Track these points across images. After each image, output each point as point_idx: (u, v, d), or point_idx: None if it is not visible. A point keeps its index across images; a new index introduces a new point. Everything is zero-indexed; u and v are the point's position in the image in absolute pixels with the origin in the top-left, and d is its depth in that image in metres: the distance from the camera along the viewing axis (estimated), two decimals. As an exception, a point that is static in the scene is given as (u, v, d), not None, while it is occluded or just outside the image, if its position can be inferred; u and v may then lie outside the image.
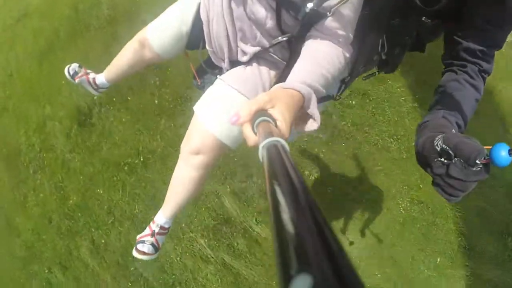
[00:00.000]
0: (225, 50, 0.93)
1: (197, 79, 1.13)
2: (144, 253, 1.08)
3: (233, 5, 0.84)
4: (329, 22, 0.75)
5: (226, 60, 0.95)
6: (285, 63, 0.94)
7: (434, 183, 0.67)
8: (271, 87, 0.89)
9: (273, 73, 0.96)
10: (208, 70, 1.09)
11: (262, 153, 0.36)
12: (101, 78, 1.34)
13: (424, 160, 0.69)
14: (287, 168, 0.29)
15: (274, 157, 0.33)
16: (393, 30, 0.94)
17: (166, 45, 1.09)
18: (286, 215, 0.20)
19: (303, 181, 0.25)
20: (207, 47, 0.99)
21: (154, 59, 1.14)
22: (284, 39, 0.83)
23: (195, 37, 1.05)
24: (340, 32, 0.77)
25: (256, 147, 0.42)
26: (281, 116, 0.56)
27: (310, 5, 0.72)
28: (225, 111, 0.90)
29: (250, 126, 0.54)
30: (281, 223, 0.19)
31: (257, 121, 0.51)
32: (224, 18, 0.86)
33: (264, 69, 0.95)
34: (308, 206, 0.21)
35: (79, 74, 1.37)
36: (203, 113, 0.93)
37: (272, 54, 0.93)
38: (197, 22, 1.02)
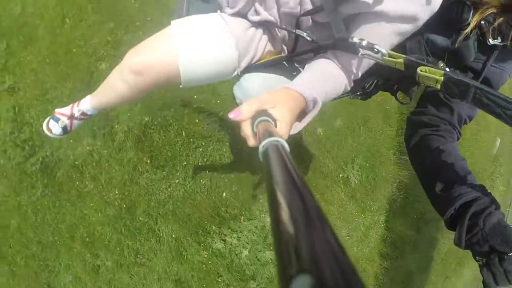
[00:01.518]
0: (242, 2, 0.83)
1: (184, 7, 0.98)
2: (51, 132, 1.07)
3: None
4: (352, 58, 0.76)
5: (236, 9, 0.85)
6: (281, 47, 0.92)
7: (486, 267, 0.69)
8: (260, 62, 0.89)
9: (269, 48, 0.92)
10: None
11: (261, 153, 0.36)
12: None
13: (496, 241, 0.68)
14: (287, 168, 0.28)
15: (274, 157, 0.32)
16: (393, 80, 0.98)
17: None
18: (286, 215, 0.20)
19: (303, 180, 0.25)
20: None
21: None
22: (308, 38, 0.80)
23: None
24: (354, 70, 0.78)
25: (256, 147, 0.41)
26: (281, 117, 0.55)
27: (356, 39, 0.70)
28: (207, 44, 0.80)
29: (250, 125, 0.53)
30: (281, 223, 0.19)
31: (257, 121, 0.51)
32: None
33: (265, 39, 0.90)
34: (308, 206, 0.21)
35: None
36: (182, 34, 0.79)
37: (279, 32, 0.89)
38: None
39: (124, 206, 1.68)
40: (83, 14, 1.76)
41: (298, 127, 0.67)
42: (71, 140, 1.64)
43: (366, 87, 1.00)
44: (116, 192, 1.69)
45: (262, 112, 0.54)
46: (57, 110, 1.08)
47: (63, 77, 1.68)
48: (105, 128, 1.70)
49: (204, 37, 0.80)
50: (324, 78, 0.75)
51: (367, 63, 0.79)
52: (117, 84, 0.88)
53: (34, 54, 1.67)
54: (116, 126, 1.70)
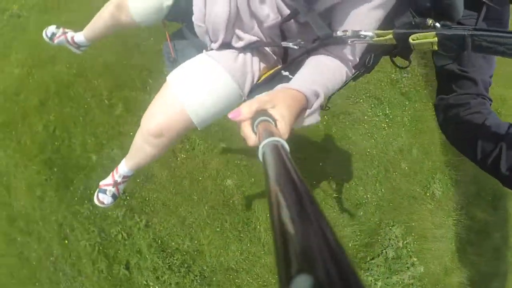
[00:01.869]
0: (221, 34, 0.85)
1: (172, 51, 1.05)
2: (103, 203, 1.15)
3: None
4: (344, 47, 0.77)
5: (218, 43, 0.87)
6: (276, 60, 0.93)
7: None
8: (261, 81, 0.90)
9: (263, 65, 0.93)
10: (190, 37, 1.02)
11: (262, 153, 0.36)
12: (79, 36, 1.31)
13: None
14: (287, 167, 0.29)
15: (274, 157, 0.33)
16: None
17: (144, 13, 1.03)
18: (286, 215, 0.20)
19: (303, 180, 0.25)
20: (195, 22, 0.90)
21: (130, 24, 1.08)
22: (295, 47, 0.81)
23: (177, 11, 1.01)
24: (350, 57, 0.79)
25: (256, 147, 0.42)
26: (281, 117, 0.56)
27: (340, 33, 0.72)
28: (206, 87, 0.83)
29: (250, 126, 0.54)
30: (281, 223, 0.19)
31: (257, 121, 0.51)
32: (230, 1, 0.81)
33: (256, 60, 0.90)
34: (308, 206, 0.21)
35: (57, 35, 1.35)
36: (180, 87, 0.83)
37: (266, 48, 0.90)
38: None
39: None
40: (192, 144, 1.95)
41: (306, 121, 0.68)
42: (221, 250, 1.83)
43: (366, 62, 0.97)
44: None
45: (262, 112, 0.54)
46: (101, 183, 1.17)
47: (196, 203, 1.85)
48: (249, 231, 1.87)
49: (201, 82, 0.83)
50: (321, 71, 0.75)
51: (361, 46, 0.79)
52: (144, 147, 0.95)
53: (158, 190, 1.85)
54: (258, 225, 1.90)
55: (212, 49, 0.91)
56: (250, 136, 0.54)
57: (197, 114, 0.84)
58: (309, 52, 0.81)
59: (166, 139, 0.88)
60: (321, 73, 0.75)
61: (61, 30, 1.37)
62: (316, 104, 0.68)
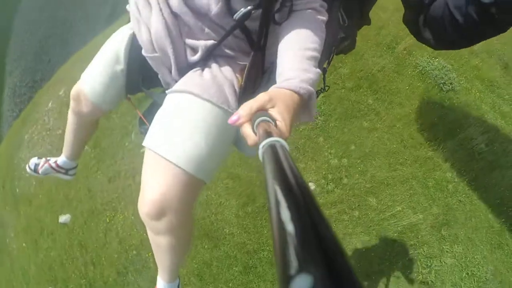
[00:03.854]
0: (170, 50, 0.74)
1: (145, 121, 0.97)
2: None
3: None
4: None
5: (173, 65, 0.77)
6: (245, 56, 0.81)
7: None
8: (243, 83, 0.79)
9: (237, 68, 0.82)
10: (159, 98, 0.86)
11: (262, 153, 0.36)
12: (62, 159, 1.26)
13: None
14: (287, 167, 0.29)
15: (274, 157, 0.33)
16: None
17: (101, 90, 0.91)
18: (286, 215, 0.20)
19: (303, 180, 0.25)
20: (147, 55, 0.79)
21: (94, 112, 0.97)
22: (249, 8, 0.69)
23: (133, 73, 0.91)
24: None
25: (256, 147, 0.41)
26: (281, 116, 0.55)
27: None
28: (185, 127, 0.70)
29: (250, 125, 0.53)
30: (281, 223, 0.19)
31: (257, 121, 0.51)
32: (161, 10, 0.72)
33: (224, 66, 0.80)
34: (308, 206, 0.21)
35: (40, 165, 1.31)
36: (157, 143, 0.69)
37: (229, 48, 0.79)
38: (132, 54, 0.88)
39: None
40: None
41: (306, 116, 0.67)
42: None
43: (341, 20, 0.92)
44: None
45: (262, 112, 0.54)
46: None
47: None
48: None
49: (179, 126, 0.70)
50: (301, 45, 0.68)
51: None
52: (160, 241, 0.77)
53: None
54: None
55: (174, 81, 0.79)
56: (250, 136, 0.53)
57: (191, 162, 0.68)
58: (269, 15, 0.70)
59: (172, 215, 0.70)
60: (304, 48, 0.68)
61: (43, 159, 1.34)
62: (313, 103, 0.66)
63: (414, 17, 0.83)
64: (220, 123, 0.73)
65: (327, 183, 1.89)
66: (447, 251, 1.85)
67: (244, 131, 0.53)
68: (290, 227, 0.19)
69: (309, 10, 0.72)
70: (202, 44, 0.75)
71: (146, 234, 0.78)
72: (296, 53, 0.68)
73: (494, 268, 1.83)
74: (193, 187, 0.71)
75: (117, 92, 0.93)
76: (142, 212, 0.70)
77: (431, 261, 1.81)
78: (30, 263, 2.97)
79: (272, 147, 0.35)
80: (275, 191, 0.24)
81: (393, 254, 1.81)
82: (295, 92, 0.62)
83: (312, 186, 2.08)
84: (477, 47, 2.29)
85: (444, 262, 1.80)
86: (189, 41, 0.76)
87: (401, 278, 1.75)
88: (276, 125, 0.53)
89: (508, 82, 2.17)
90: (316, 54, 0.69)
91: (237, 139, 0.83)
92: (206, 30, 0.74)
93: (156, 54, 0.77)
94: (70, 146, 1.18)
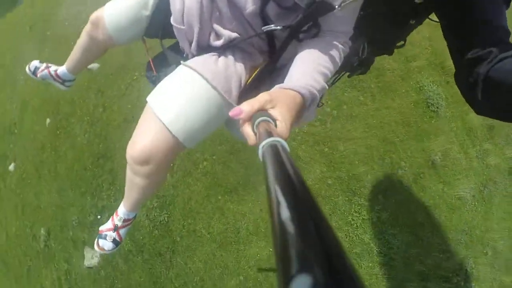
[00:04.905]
0: (196, 29, 0.79)
1: (153, 69, 1.00)
2: (104, 249, 1.07)
3: None
4: (333, 15, 0.69)
5: (194, 42, 0.81)
6: (261, 56, 0.86)
7: None
8: (249, 82, 0.84)
9: (249, 65, 0.86)
10: (172, 58, 0.93)
11: (262, 153, 0.36)
12: (62, 69, 1.27)
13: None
14: (287, 167, 0.29)
15: (274, 157, 0.33)
16: (377, 32, 0.90)
17: (121, 27, 0.95)
18: (286, 215, 0.20)
19: (303, 180, 0.25)
20: (174, 23, 0.83)
21: (107, 42, 1.01)
22: (278, 28, 0.74)
23: (156, 23, 0.95)
24: (342, 27, 0.74)
25: (256, 147, 0.41)
26: (281, 117, 0.55)
27: None
28: (185, 100, 0.76)
29: (250, 125, 0.53)
30: (281, 223, 0.20)
31: (257, 121, 0.50)
32: None
33: (239, 60, 0.84)
34: (308, 206, 0.21)
35: (40, 69, 1.32)
36: (157, 103, 0.77)
37: (249, 44, 0.83)
38: (160, 6, 0.92)
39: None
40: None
41: (302, 119, 0.67)
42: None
43: (360, 53, 0.92)
44: None
45: (262, 112, 0.54)
46: (101, 228, 1.09)
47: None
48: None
49: (179, 95, 0.77)
50: (315, 58, 0.71)
51: (352, 11, 0.73)
52: (135, 180, 0.86)
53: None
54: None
55: (191, 54, 0.84)
56: (250, 135, 0.53)
57: (180, 130, 0.76)
58: (295, 33, 0.75)
59: (154, 166, 0.79)
60: (317, 63, 0.71)
61: (44, 64, 1.34)
62: (313, 103, 0.66)
63: (466, 78, 0.71)
64: (217, 107, 0.79)
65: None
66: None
67: (245, 131, 0.54)
68: (290, 227, 0.19)
69: (333, 39, 0.73)
70: (227, 34, 0.79)
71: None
72: (308, 65, 0.70)
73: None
74: (177, 149, 0.80)
75: (136, 32, 0.98)
76: (129, 155, 0.79)
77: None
78: (32, 95, 3.32)
79: (272, 147, 0.35)
80: (276, 191, 0.24)
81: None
82: (298, 92, 0.63)
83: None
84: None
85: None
86: (216, 26, 0.79)
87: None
88: (276, 125, 0.53)
89: (484, 138, 2.59)
90: (327, 72, 0.71)
91: (228, 121, 0.88)
92: (235, 22, 0.78)
93: (182, 27, 0.81)
94: (74, 61, 1.20)
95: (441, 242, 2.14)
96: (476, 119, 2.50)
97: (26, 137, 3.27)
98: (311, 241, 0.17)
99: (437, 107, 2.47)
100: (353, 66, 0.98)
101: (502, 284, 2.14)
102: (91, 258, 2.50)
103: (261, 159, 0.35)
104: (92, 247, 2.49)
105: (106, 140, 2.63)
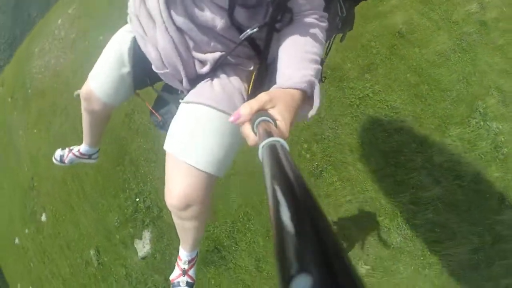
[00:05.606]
0: (180, 67, 0.80)
1: (157, 115, 1.02)
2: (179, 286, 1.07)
3: (172, 12, 0.74)
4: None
5: (184, 79, 0.82)
6: (251, 61, 0.87)
7: None
8: (250, 90, 0.84)
9: (243, 74, 0.87)
10: (169, 98, 0.97)
11: (262, 153, 0.36)
12: (84, 147, 1.36)
13: None
14: (287, 168, 0.29)
15: (274, 157, 0.33)
16: None
17: (111, 92, 0.99)
18: (286, 215, 0.20)
19: (303, 180, 0.25)
20: (157, 71, 0.86)
21: (106, 109, 1.05)
22: (255, 30, 0.74)
23: (140, 74, 0.97)
24: (312, 3, 0.73)
25: (256, 147, 0.41)
26: (281, 116, 0.56)
27: None
28: (202, 136, 0.78)
29: (250, 126, 0.53)
30: (281, 223, 0.20)
31: (257, 121, 0.51)
32: (166, 28, 0.75)
33: (232, 75, 0.85)
34: (308, 206, 0.21)
35: (65, 155, 1.41)
36: (177, 148, 0.79)
37: (235, 56, 0.83)
38: (137, 57, 0.93)
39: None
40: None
41: (312, 111, 0.67)
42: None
43: (339, 12, 0.93)
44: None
45: (262, 112, 0.54)
46: (171, 278, 1.12)
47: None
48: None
49: (193, 132, 0.78)
50: (301, 48, 0.71)
51: None
52: (184, 224, 0.90)
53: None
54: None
55: (186, 90, 0.86)
56: (250, 136, 0.53)
57: (208, 163, 0.77)
58: (272, 28, 0.74)
59: (196, 206, 0.82)
60: (304, 51, 0.70)
61: (66, 150, 1.45)
62: (316, 96, 0.66)
63: None
64: (231, 128, 0.79)
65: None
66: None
67: (244, 131, 0.54)
68: (290, 227, 0.19)
69: (309, 19, 0.72)
70: (210, 57, 0.80)
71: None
72: (296, 54, 0.70)
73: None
74: (211, 182, 0.81)
75: (126, 90, 1.01)
76: (170, 204, 0.82)
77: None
78: (38, 146, 3.44)
79: (272, 147, 0.35)
80: (275, 191, 0.24)
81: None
82: (296, 89, 0.63)
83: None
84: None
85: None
86: (196, 54, 0.80)
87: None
88: (276, 125, 0.53)
89: (440, 1, 2.42)
90: (316, 57, 0.71)
91: None
92: (213, 43, 0.79)
93: (166, 70, 0.83)
94: (89, 136, 1.27)
95: (443, 94, 2.19)
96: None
97: (47, 183, 3.45)
98: (311, 241, 0.17)
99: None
100: (338, 27, 0.97)
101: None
102: (142, 248, 2.61)
103: (261, 159, 0.35)
104: (141, 238, 2.61)
105: (116, 142, 2.81)
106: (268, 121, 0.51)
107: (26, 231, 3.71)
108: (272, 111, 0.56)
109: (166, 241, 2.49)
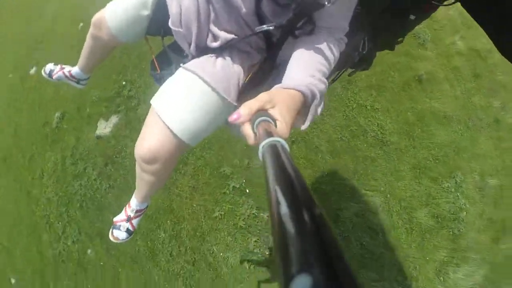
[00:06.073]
0: (194, 31, 0.81)
1: (157, 67, 1.01)
2: (118, 239, 1.12)
3: None
4: (326, 12, 0.69)
5: (193, 44, 0.84)
6: (259, 54, 0.87)
7: None
8: (246, 80, 0.85)
9: (246, 64, 0.87)
10: (173, 57, 0.97)
11: (262, 153, 0.36)
12: (76, 70, 1.32)
13: None
14: (287, 168, 0.29)
15: (274, 157, 0.33)
16: (379, 28, 0.90)
17: (123, 27, 0.98)
18: (286, 215, 0.20)
19: (303, 181, 0.25)
20: (172, 26, 0.85)
21: (112, 41, 1.03)
22: (271, 27, 0.74)
23: (157, 22, 0.96)
24: (337, 23, 0.73)
25: (256, 147, 0.41)
26: (281, 116, 0.55)
27: None
28: (186, 102, 0.79)
29: (250, 126, 0.53)
30: (281, 222, 0.20)
31: (257, 121, 0.50)
32: None
33: (237, 60, 0.85)
34: (308, 206, 0.21)
35: (55, 71, 1.37)
36: (162, 107, 0.80)
37: (247, 44, 0.84)
38: (160, 5, 0.93)
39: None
40: None
41: (308, 120, 0.67)
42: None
43: (360, 48, 0.93)
44: None
45: (262, 112, 0.53)
46: (115, 219, 1.15)
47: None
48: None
49: (181, 98, 0.79)
50: (311, 57, 0.72)
51: (347, 7, 0.74)
52: (143, 176, 0.92)
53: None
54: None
55: (191, 55, 0.87)
56: (250, 136, 0.53)
57: (184, 131, 0.79)
58: (290, 31, 0.76)
59: (160, 164, 0.85)
60: (311, 58, 0.72)
61: (58, 66, 1.39)
62: (315, 104, 0.66)
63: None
64: (218, 107, 0.82)
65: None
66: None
67: (244, 131, 0.54)
68: (290, 227, 0.19)
69: (329, 36, 0.74)
70: (223, 35, 0.80)
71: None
72: (305, 63, 0.71)
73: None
74: (181, 148, 0.84)
75: (138, 31, 1.00)
76: (138, 154, 0.85)
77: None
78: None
79: (272, 147, 0.35)
80: (276, 191, 0.24)
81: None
82: (297, 90, 0.63)
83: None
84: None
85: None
86: (213, 27, 0.81)
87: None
88: (276, 125, 0.53)
89: (468, 80, 2.45)
90: (324, 69, 0.71)
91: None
92: (232, 23, 0.79)
93: (180, 30, 0.84)
94: (85, 62, 1.24)
95: (430, 146, 2.27)
96: (460, 62, 2.85)
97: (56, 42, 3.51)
98: (311, 241, 0.17)
99: (424, 41, 2.78)
100: (354, 61, 0.97)
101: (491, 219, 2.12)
102: (103, 129, 2.64)
103: (261, 159, 0.35)
104: (107, 120, 2.64)
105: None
106: (268, 121, 0.50)
107: (10, 75, 3.74)
108: (272, 111, 0.56)
109: (128, 133, 2.52)
